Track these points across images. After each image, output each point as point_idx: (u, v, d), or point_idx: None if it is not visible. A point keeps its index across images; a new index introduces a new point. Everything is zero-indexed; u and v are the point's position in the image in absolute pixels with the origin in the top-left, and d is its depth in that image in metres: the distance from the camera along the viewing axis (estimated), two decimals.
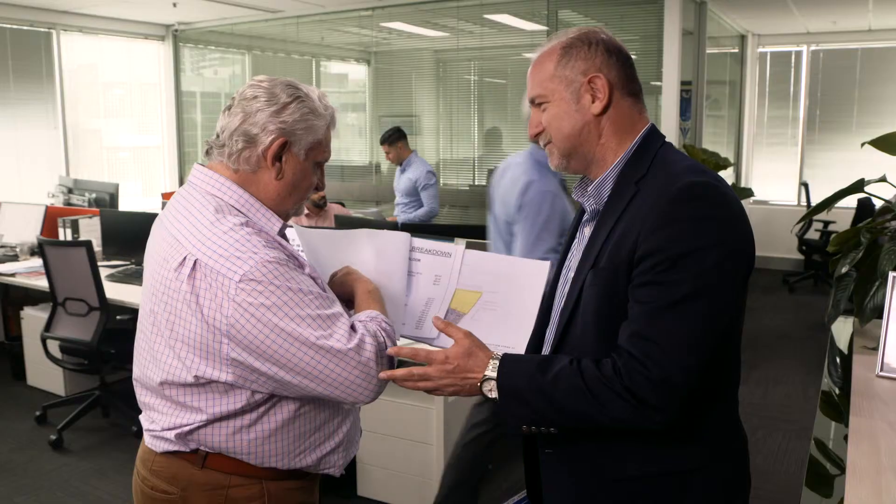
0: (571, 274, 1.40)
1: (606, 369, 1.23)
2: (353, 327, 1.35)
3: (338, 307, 1.36)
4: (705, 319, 1.21)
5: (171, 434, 1.39)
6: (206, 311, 1.28)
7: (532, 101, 1.38)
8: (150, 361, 1.40)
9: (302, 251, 1.64)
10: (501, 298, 1.62)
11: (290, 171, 1.42)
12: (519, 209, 2.59)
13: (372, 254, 1.65)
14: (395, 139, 5.61)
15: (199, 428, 1.37)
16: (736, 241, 1.24)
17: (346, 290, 1.54)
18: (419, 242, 1.72)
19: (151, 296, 1.39)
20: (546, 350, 1.43)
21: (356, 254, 1.65)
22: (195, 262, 1.30)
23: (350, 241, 1.67)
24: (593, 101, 1.33)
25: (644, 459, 1.30)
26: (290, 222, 1.55)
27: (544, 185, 2.58)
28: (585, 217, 1.44)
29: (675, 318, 1.20)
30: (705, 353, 1.21)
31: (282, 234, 1.44)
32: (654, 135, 1.36)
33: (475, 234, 3.22)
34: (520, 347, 1.57)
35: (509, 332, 1.59)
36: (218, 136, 1.42)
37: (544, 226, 2.55)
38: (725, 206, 1.24)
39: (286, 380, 1.32)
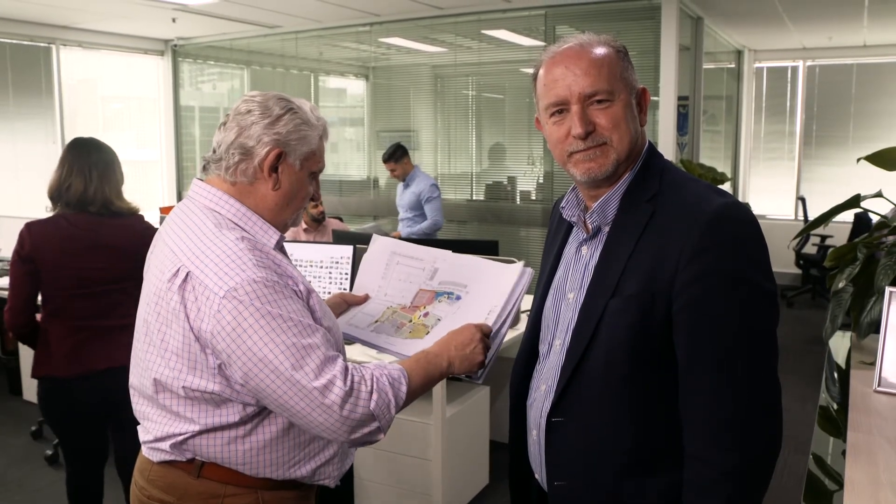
0: (569, 295, 1.34)
1: (692, 474, 1.22)
2: (332, 362, 1.30)
3: (317, 337, 1.31)
4: (769, 346, 1.25)
5: (165, 444, 1.40)
6: (192, 321, 1.31)
7: (590, 96, 1.25)
8: (144, 370, 1.42)
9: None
10: (462, 312, 1.60)
11: (286, 181, 1.43)
12: None
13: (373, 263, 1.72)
14: (399, 156, 5.61)
15: (192, 437, 1.38)
16: (768, 258, 1.24)
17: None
18: (402, 248, 1.76)
19: (146, 305, 1.42)
20: (555, 387, 1.31)
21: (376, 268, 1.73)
22: (187, 273, 1.32)
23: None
24: (641, 112, 1.31)
25: (664, 485, 1.27)
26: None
27: None
28: (581, 237, 1.37)
29: (747, 370, 1.23)
30: (776, 380, 1.26)
31: (279, 246, 1.45)
32: (655, 152, 1.34)
33: (475, 249, 3.20)
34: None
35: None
36: (214, 150, 1.44)
37: None
38: (757, 225, 1.24)
39: (257, 397, 1.33)
